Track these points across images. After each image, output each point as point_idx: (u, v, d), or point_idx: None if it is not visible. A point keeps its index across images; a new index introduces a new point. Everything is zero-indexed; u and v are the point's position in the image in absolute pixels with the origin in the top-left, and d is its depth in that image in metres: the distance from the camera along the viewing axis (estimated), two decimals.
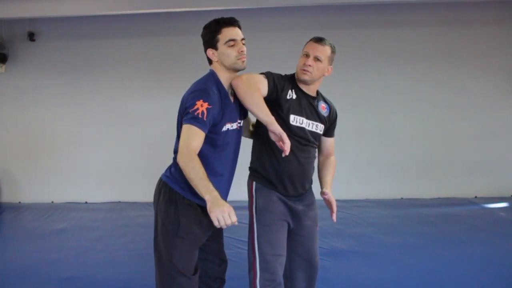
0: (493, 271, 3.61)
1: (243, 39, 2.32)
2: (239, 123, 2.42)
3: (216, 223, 1.94)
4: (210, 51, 2.33)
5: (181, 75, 6.01)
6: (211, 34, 2.31)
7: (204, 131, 2.14)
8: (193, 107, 2.14)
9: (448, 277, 3.52)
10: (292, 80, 2.52)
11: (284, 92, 2.43)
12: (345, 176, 6.06)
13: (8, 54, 6.14)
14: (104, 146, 6.26)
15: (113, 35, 6.17)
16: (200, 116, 2.12)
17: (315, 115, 2.57)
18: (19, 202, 6.30)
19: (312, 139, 2.56)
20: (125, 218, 5.42)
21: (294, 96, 2.46)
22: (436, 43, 5.98)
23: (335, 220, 2.64)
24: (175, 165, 2.32)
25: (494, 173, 5.98)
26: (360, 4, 5.74)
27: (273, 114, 2.29)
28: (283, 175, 2.48)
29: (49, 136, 6.30)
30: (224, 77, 2.33)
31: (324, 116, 2.64)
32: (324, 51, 2.49)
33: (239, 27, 2.34)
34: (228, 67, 2.31)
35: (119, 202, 6.17)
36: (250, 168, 2.61)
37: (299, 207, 2.56)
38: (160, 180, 2.39)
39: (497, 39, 5.95)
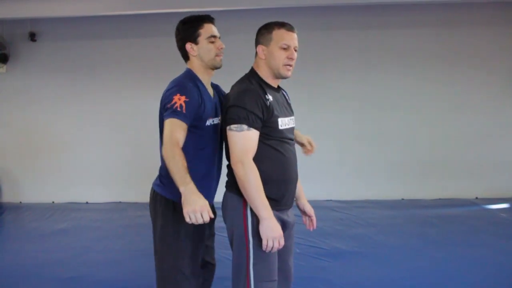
0: (494, 272, 3.60)
1: (220, 37, 2.32)
2: (219, 119, 2.33)
3: (187, 220, 1.84)
4: (189, 45, 2.30)
5: None
6: (192, 28, 2.29)
7: (185, 122, 2.10)
8: (171, 101, 2.12)
9: (449, 278, 3.51)
10: (258, 84, 2.18)
11: (266, 107, 2.10)
12: (346, 177, 6.07)
13: (9, 54, 6.15)
14: (104, 146, 6.27)
15: (114, 35, 6.18)
16: (179, 109, 2.10)
17: (287, 108, 2.31)
18: (20, 202, 6.31)
19: (292, 138, 2.32)
20: (126, 218, 5.44)
21: (271, 99, 2.14)
22: (438, 44, 5.98)
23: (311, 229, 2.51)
24: (162, 172, 2.32)
25: (495, 174, 5.98)
26: (362, 5, 5.74)
27: (264, 128, 2.11)
28: (286, 184, 2.22)
29: (50, 136, 6.30)
30: (202, 73, 2.31)
31: (289, 102, 2.40)
32: (297, 39, 2.20)
33: (215, 26, 2.35)
34: (207, 62, 2.29)
35: (120, 202, 6.18)
36: (235, 183, 2.11)
37: (290, 218, 2.28)
38: (152, 190, 2.38)
39: (500, 39, 5.95)
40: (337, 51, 5.93)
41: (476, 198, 5.93)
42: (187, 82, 2.22)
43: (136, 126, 6.22)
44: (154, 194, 2.35)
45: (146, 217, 5.42)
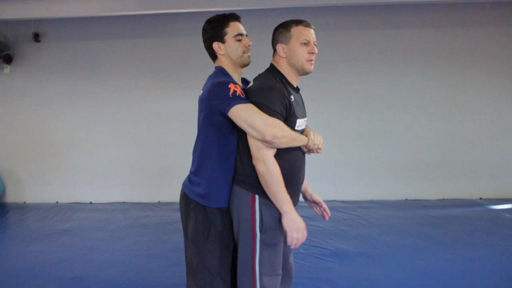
0: (498, 272, 3.59)
1: (247, 35, 2.33)
2: None
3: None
4: (216, 45, 2.30)
5: (186, 75, 6.06)
6: (218, 27, 2.29)
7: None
8: (229, 91, 2.07)
9: (453, 278, 3.50)
10: (282, 82, 2.19)
11: (290, 105, 2.14)
12: (349, 177, 6.07)
13: (14, 54, 6.17)
14: (108, 146, 6.28)
15: (118, 36, 6.19)
16: (242, 95, 2.09)
17: (303, 109, 2.34)
18: (24, 202, 6.33)
19: None
20: (130, 218, 5.44)
21: (293, 99, 2.16)
22: (441, 44, 5.97)
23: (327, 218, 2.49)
24: (192, 175, 2.31)
25: (499, 174, 5.97)
26: (366, 5, 5.74)
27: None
28: (295, 183, 2.24)
29: (54, 136, 6.32)
30: (231, 72, 2.30)
31: (304, 103, 2.41)
32: (315, 35, 2.24)
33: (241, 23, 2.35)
34: (235, 60, 2.29)
35: (124, 202, 6.19)
36: (244, 177, 2.18)
37: None
38: (182, 192, 2.37)
39: (504, 39, 5.93)
40: (340, 51, 5.92)
41: (480, 198, 5.92)
42: (228, 78, 2.21)
43: (140, 127, 6.24)
44: (185, 196, 2.34)
45: (150, 218, 5.48)
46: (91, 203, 6.25)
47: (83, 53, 6.25)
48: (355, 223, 5.00)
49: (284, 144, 2.07)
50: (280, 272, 2.20)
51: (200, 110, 2.25)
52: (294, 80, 2.25)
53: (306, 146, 2.19)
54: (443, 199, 5.94)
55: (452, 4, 5.79)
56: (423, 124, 6.03)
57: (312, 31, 2.22)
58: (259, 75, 2.26)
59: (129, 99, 6.24)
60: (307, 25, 2.22)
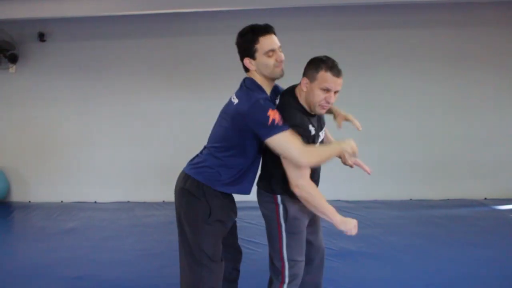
0: (502, 273, 3.59)
1: (280, 46, 2.29)
2: None
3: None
4: (247, 60, 2.29)
5: (192, 75, 6.08)
6: (248, 44, 2.26)
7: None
8: (268, 119, 2.13)
9: (457, 279, 3.50)
10: (302, 108, 2.36)
11: (308, 129, 2.34)
12: (353, 177, 6.03)
13: (19, 54, 6.18)
14: (113, 146, 6.29)
15: (123, 35, 6.20)
16: (279, 123, 2.15)
17: (321, 127, 2.56)
18: (29, 201, 6.35)
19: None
20: (134, 218, 5.45)
21: (313, 131, 2.37)
22: (445, 44, 5.94)
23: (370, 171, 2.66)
24: (202, 159, 2.39)
25: (504, 174, 5.94)
26: (367, 5, 5.72)
27: None
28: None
29: (59, 136, 6.34)
30: (265, 84, 2.32)
31: (323, 119, 2.64)
32: (341, 83, 2.31)
33: (275, 33, 2.30)
34: (267, 75, 2.29)
35: (128, 202, 6.20)
36: (268, 180, 2.46)
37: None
38: (184, 173, 2.43)
39: (508, 39, 5.91)
40: (343, 51, 5.90)
41: (485, 198, 5.90)
42: (262, 95, 2.24)
43: (144, 126, 6.25)
44: (185, 177, 2.39)
45: (154, 217, 5.49)
46: (95, 202, 6.26)
47: (88, 52, 6.26)
48: (360, 223, 4.88)
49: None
50: (304, 258, 2.49)
51: (230, 117, 2.28)
52: (309, 110, 2.38)
53: (342, 156, 2.41)
54: (448, 199, 5.92)
55: (459, 4, 5.76)
56: (427, 124, 6.01)
57: (339, 81, 2.28)
58: (281, 97, 2.40)
59: (134, 99, 6.25)
60: (336, 74, 2.26)
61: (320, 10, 5.80)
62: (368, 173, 2.63)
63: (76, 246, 4.49)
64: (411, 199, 5.95)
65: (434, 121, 6.00)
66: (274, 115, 2.14)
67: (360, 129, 2.58)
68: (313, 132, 2.35)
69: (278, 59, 2.26)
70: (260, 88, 2.29)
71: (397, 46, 5.99)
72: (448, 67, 5.94)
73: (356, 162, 2.59)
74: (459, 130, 5.98)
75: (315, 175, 2.43)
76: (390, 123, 6.01)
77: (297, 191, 2.26)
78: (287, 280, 2.43)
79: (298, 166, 2.19)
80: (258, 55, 2.26)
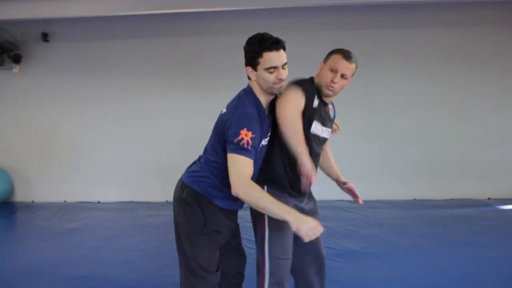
0: (506, 273, 3.57)
1: (285, 64, 2.23)
2: (269, 136, 2.39)
3: (307, 240, 2.05)
4: (249, 69, 2.27)
5: (194, 75, 6.08)
6: (252, 54, 2.22)
7: (252, 158, 2.14)
8: (238, 136, 2.11)
9: (460, 279, 3.49)
10: (315, 87, 2.45)
11: (312, 101, 2.39)
12: (356, 177, 5.98)
13: (22, 54, 6.20)
14: (116, 146, 6.30)
15: (127, 35, 6.21)
16: (246, 146, 2.11)
17: (328, 121, 2.56)
18: (32, 201, 6.37)
19: (321, 144, 2.57)
20: (137, 218, 5.46)
21: (317, 105, 2.42)
22: (448, 45, 5.94)
23: (361, 202, 2.71)
24: (199, 167, 2.36)
25: (507, 174, 5.93)
26: (368, 5, 5.72)
27: None
28: (297, 178, 2.40)
29: (62, 136, 6.35)
30: (261, 96, 2.29)
31: (331, 119, 2.65)
32: (351, 68, 2.42)
33: (283, 48, 2.23)
34: (265, 89, 2.26)
35: (131, 202, 6.22)
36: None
37: (307, 206, 2.55)
38: (181, 181, 2.40)
39: (509, 39, 5.89)
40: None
41: (489, 198, 5.88)
42: (252, 111, 2.21)
43: (148, 126, 6.26)
44: (182, 186, 2.37)
45: (157, 217, 5.49)
46: (99, 202, 6.28)
47: (91, 52, 6.27)
48: (363, 223, 4.99)
49: (250, 204, 2.15)
50: (290, 256, 2.41)
51: (216, 127, 2.30)
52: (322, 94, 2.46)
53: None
54: (451, 199, 5.91)
55: (460, 4, 5.75)
56: (430, 124, 6.00)
57: (347, 64, 2.39)
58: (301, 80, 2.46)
59: (137, 99, 6.26)
60: (346, 57, 2.39)
61: (320, 10, 5.80)
62: (358, 203, 2.72)
63: (80, 246, 4.49)
64: (414, 199, 5.94)
65: (437, 121, 5.99)
66: (245, 135, 2.11)
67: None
68: (315, 105, 2.39)
69: (279, 77, 2.21)
70: (255, 100, 2.27)
71: (398, 46, 5.98)
72: (450, 67, 5.93)
73: (350, 188, 2.66)
74: (463, 130, 5.97)
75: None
76: (393, 123, 6.01)
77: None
78: (267, 277, 2.35)
79: (233, 191, 2.11)
80: (259, 68, 2.21)
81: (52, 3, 5.52)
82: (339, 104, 2.75)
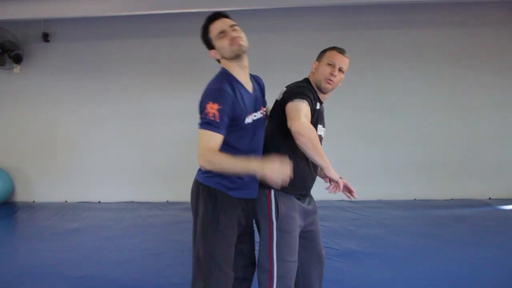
0: (507, 273, 3.57)
1: (233, 25, 2.28)
2: (264, 111, 2.42)
3: (278, 182, 2.02)
4: (212, 52, 2.33)
5: (195, 75, 6.03)
6: (204, 36, 2.32)
7: (220, 133, 2.15)
8: (204, 110, 2.15)
9: (461, 279, 3.48)
10: (313, 88, 2.51)
11: (315, 104, 2.43)
12: (357, 177, 6.01)
13: (23, 54, 6.21)
14: (117, 146, 6.31)
15: (127, 35, 6.21)
16: (212, 118, 2.13)
17: (325, 121, 2.62)
18: (33, 201, 6.37)
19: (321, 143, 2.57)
20: (138, 218, 5.46)
21: (318, 107, 2.48)
22: (449, 44, 5.94)
23: (356, 196, 2.69)
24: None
25: (508, 174, 5.92)
26: (368, 5, 5.72)
27: None
28: (303, 178, 2.46)
29: (63, 136, 6.36)
30: (235, 70, 2.30)
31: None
32: (347, 63, 2.56)
33: (226, 16, 2.31)
34: (230, 57, 2.27)
35: (132, 202, 6.22)
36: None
37: (309, 206, 2.55)
38: (196, 181, 2.39)
39: (510, 39, 5.89)
40: (348, 52, 5.91)
41: (489, 198, 5.88)
42: (221, 85, 2.22)
43: (148, 126, 6.26)
44: (197, 184, 2.37)
45: (157, 217, 5.49)
46: (99, 202, 6.28)
47: (92, 53, 6.28)
48: (363, 223, 4.99)
49: (216, 169, 2.17)
50: (296, 259, 2.41)
51: None
52: (320, 94, 2.53)
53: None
54: (452, 199, 5.90)
55: (461, 4, 5.75)
56: (431, 124, 6.00)
57: (343, 58, 2.52)
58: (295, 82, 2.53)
59: (138, 99, 6.26)
60: (340, 51, 2.53)
61: (320, 10, 5.80)
62: (350, 197, 2.66)
63: (80, 246, 4.49)
64: (415, 199, 5.94)
65: (438, 121, 5.99)
66: (211, 108, 2.14)
67: None
68: (318, 106, 2.45)
69: (230, 36, 2.24)
70: (227, 76, 2.28)
71: (401, 47, 5.98)
72: (451, 67, 5.94)
73: (344, 183, 2.59)
74: (463, 130, 5.97)
75: (311, 173, 2.49)
76: (394, 123, 6.01)
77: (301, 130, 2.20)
78: (275, 281, 2.35)
79: (199, 161, 2.14)
80: (214, 42, 2.28)
81: (52, 3, 5.52)
82: (339, 105, 2.76)
